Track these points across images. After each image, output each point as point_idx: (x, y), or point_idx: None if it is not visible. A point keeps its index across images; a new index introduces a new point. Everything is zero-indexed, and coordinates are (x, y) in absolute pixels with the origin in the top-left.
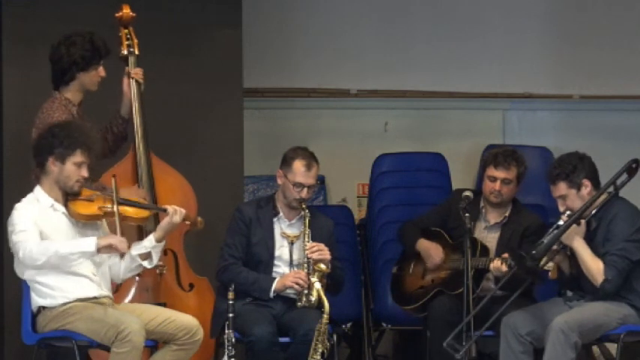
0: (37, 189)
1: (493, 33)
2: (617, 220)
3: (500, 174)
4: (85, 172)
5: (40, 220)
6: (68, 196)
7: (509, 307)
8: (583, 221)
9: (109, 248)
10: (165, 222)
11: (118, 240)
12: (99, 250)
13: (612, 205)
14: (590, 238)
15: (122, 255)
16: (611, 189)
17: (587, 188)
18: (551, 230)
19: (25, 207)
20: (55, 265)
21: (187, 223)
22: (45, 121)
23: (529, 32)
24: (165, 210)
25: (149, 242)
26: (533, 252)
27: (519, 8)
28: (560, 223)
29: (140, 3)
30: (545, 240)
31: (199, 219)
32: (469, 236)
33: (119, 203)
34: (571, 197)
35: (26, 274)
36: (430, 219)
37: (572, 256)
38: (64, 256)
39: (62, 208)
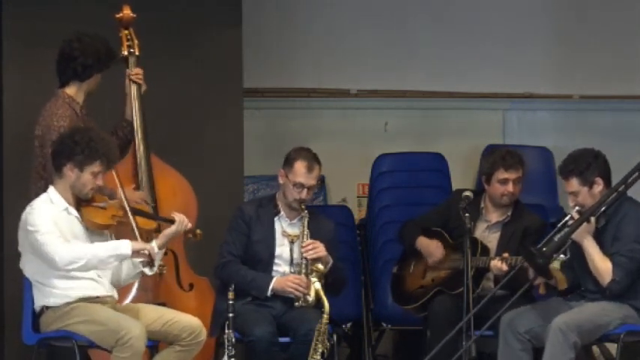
0: (51, 190)
1: (493, 33)
2: (628, 220)
3: (512, 175)
4: (100, 181)
5: (56, 222)
6: (81, 201)
7: (509, 306)
8: (593, 219)
9: (141, 252)
10: (169, 231)
11: (151, 247)
12: (133, 253)
13: (622, 204)
14: (598, 236)
15: (151, 262)
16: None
17: (599, 186)
18: (560, 225)
19: (43, 206)
20: (91, 267)
21: (189, 235)
22: (49, 119)
23: (529, 32)
24: (172, 221)
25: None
26: (544, 249)
27: (519, 9)
28: (572, 216)
29: (140, 3)
30: (556, 237)
31: (198, 231)
32: (469, 236)
33: (133, 213)
34: (582, 194)
35: (29, 273)
36: (431, 219)
37: (576, 258)
38: (103, 260)
39: (75, 212)
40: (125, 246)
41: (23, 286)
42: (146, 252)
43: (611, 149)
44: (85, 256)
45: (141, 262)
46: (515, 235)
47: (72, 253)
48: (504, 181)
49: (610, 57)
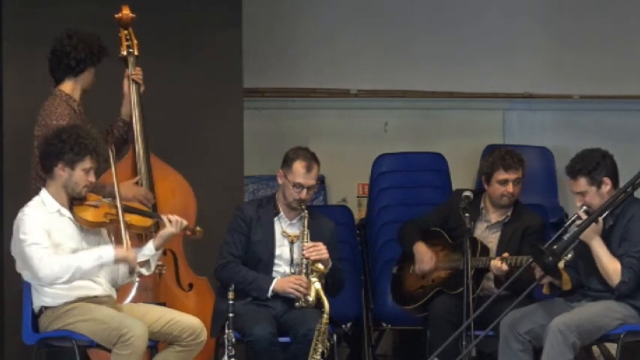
0: (44, 192)
1: (493, 33)
2: (636, 221)
3: (511, 175)
4: (92, 178)
5: (47, 225)
6: (74, 200)
7: (509, 306)
8: (600, 219)
9: (123, 261)
10: (165, 232)
11: (133, 257)
12: (115, 261)
13: (630, 205)
14: (605, 236)
15: (132, 270)
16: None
17: (607, 186)
18: (567, 224)
19: (33, 213)
20: (77, 279)
21: (188, 233)
22: (48, 118)
23: (529, 32)
24: (168, 220)
25: (148, 250)
26: (554, 247)
27: (519, 8)
28: (579, 215)
29: (140, 3)
30: (564, 237)
31: (198, 228)
32: (469, 236)
33: (125, 211)
34: (590, 194)
35: (27, 277)
36: (430, 219)
37: (580, 256)
38: (87, 271)
39: (68, 213)
40: (108, 255)
41: (23, 286)
42: (130, 260)
43: (611, 149)
44: (69, 270)
45: (137, 262)
46: (515, 235)
47: (55, 269)
48: (504, 182)
49: (610, 57)
